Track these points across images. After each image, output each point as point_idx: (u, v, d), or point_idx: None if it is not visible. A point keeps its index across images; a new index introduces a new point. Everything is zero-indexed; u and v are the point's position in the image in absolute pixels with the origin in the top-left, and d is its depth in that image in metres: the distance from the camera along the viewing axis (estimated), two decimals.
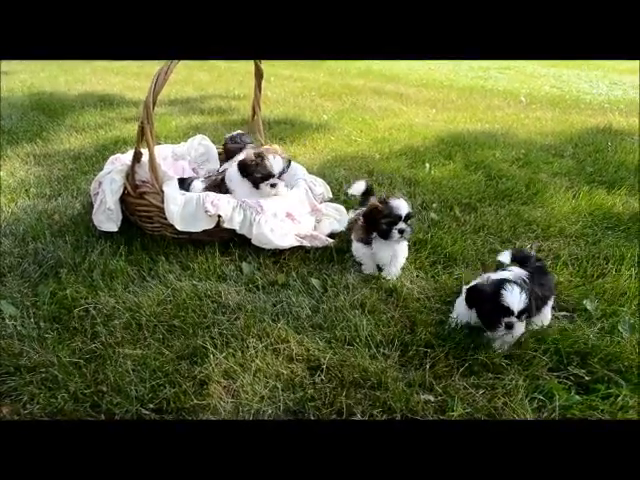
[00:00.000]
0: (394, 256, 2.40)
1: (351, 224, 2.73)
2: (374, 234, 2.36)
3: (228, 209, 2.51)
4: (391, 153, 4.61)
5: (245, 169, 2.71)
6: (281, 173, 2.73)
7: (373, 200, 2.44)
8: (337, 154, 4.58)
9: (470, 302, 1.90)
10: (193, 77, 9.00)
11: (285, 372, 1.75)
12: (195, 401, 1.61)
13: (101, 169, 2.96)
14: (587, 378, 1.76)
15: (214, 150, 3.46)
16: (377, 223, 2.32)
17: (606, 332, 2.05)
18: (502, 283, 1.80)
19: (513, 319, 1.79)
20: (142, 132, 2.39)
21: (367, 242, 2.41)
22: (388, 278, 2.37)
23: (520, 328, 1.83)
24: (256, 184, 2.72)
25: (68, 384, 1.63)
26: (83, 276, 2.30)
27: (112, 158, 3.02)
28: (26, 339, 1.85)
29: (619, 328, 2.04)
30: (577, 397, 1.65)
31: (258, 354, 1.82)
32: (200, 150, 3.38)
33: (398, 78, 9.54)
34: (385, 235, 2.31)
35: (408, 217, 2.31)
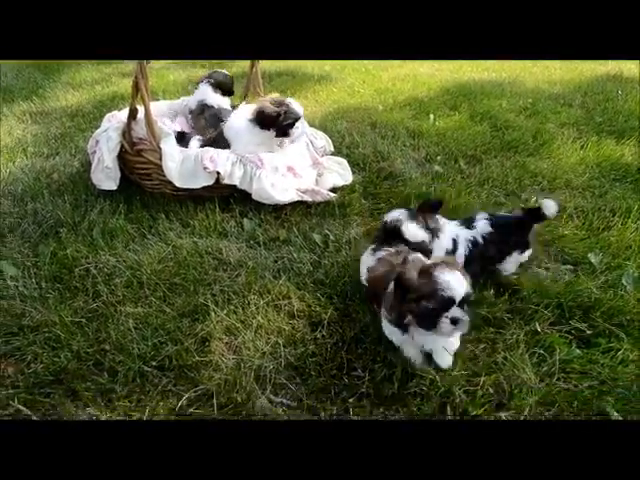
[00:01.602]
0: (446, 342, 1.60)
1: (376, 276, 1.75)
2: (408, 317, 1.51)
3: (227, 165, 2.47)
4: (395, 104, 4.49)
5: (268, 120, 2.60)
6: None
7: (411, 265, 1.51)
8: (339, 106, 4.47)
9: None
10: None
11: (286, 328, 1.75)
12: (197, 358, 1.62)
13: (99, 126, 2.90)
14: (588, 332, 1.75)
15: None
16: (414, 304, 1.47)
17: (609, 285, 2.02)
18: None
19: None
20: (137, 87, 2.31)
21: (401, 326, 1.55)
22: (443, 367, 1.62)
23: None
24: (284, 132, 2.66)
25: (71, 343, 1.64)
26: (83, 235, 2.28)
27: (109, 115, 2.96)
28: (28, 299, 1.85)
29: (623, 281, 2.02)
30: (578, 351, 1.65)
31: (259, 311, 1.82)
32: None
33: None
34: (427, 324, 1.47)
35: (465, 300, 1.46)
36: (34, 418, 1.39)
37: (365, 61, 6.22)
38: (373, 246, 1.85)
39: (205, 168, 2.40)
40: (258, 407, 1.45)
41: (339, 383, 1.55)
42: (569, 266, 2.19)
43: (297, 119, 2.68)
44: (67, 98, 4.64)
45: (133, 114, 2.43)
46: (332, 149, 3.15)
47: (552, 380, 1.56)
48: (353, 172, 2.96)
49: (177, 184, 2.43)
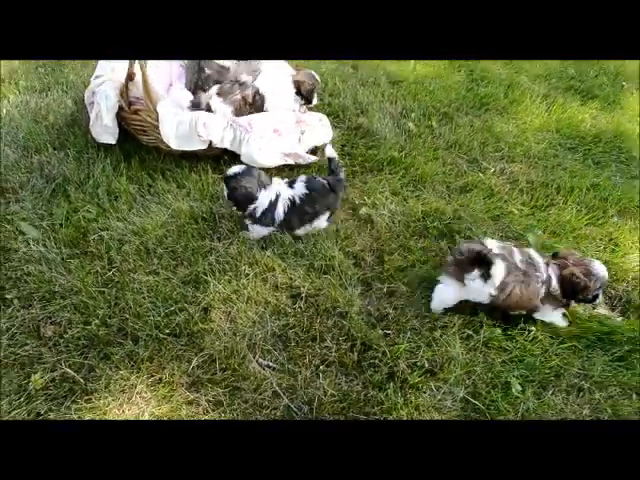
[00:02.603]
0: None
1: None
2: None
3: (219, 131, 2.69)
4: None
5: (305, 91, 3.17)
6: None
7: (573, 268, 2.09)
8: None
9: None
10: None
11: (271, 300, 2.16)
12: (201, 325, 2.03)
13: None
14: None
15: None
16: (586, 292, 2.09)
17: None
18: None
19: None
20: None
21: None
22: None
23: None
24: (308, 99, 3.21)
25: (97, 310, 2.02)
26: (90, 194, 2.55)
27: (103, 63, 3.03)
28: (52, 264, 2.18)
29: None
30: (499, 330, 2.12)
31: (249, 282, 2.21)
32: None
33: None
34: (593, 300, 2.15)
35: None
36: (79, 379, 1.81)
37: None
38: (452, 275, 2.13)
39: (199, 135, 2.62)
40: (250, 372, 1.90)
41: (312, 352, 2.00)
42: (510, 243, 2.61)
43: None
44: None
45: (131, 77, 2.58)
46: (316, 102, 3.33)
47: (475, 354, 2.04)
48: (333, 126, 3.19)
49: (173, 146, 2.66)
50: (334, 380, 1.92)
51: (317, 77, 3.25)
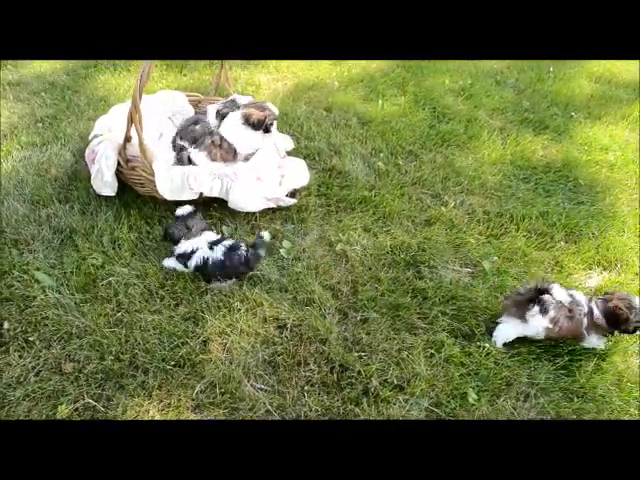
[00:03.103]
0: None
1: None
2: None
3: (208, 182, 3.04)
4: (349, 80, 4.96)
5: (257, 123, 3.33)
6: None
7: (617, 301, 2.44)
8: (299, 79, 4.93)
9: None
10: None
11: (261, 331, 2.49)
12: (201, 356, 2.35)
13: (81, 112, 3.67)
14: (476, 331, 2.57)
15: (183, 100, 3.83)
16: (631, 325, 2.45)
17: (495, 288, 2.83)
18: None
19: None
20: (131, 119, 2.79)
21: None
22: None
23: None
24: (267, 129, 3.38)
25: (110, 347, 2.33)
26: (95, 243, 2.87)
27: (100, 122, 3.39)
28: (67, 308, 2.49)
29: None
30: (457, 348, 2.48)
31: (241, 317, 2.54)
32: (170, 105, 3.74)
33: None
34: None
35: None
36: (100, 407, 2.12)
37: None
38: (514, 314, 2.50)
39: (191, 188, 2.97)
40: (245, 394, 2.22)
41: (298, 374, 2.33)
42: (468, 269, 2.99)
43: (275, 118, 3.45)
44: (40, 63, 4.85)
45: (128, 139, 2.93)
46: (292, 146, 3.70)
47: (437, 369, 2.39)
48: (310, 167, 3.56)
49: (168, 198, 3.00)
50: (317, 398, 2.25)
51: (272, 108, 3.48)
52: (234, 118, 3.37)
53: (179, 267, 2.74)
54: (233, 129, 3.35)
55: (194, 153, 3.26)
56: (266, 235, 2.83)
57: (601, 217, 3.42)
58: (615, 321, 2.44)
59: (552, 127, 4.43)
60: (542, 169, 3.89)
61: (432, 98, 4.71)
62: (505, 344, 2.54)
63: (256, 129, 3.36)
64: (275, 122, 3.47)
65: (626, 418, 2.29)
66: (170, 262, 2.76)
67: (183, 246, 2.68)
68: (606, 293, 2.58)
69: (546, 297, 2.41)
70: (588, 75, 5.43)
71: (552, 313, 2.40)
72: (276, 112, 3.53)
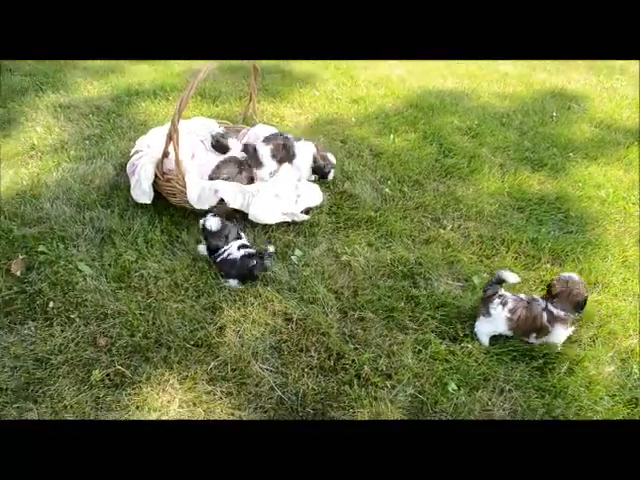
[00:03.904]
0: None
1: None
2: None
3: (232, 194, 3.46)
4: (366, 116, 5.42)
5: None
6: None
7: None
8: (320, 114, 5.39)
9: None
10: None
11: (270, 322, 2.84)
12: (217, 339, 2.70)
13: (123, 133, 4.00)
14: (461, 334, 2.88)
15: (215, 126, 4.32)
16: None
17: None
18: None
19: None
20: (170, 138, 3.24)
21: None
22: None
23: None
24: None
25: (139, 327, 2.70)
26: (131, 242, 3.29)
27: (140, 141, 3.87)
28: (104, 294, 2.89)
29: None
30: (443, 346, 2.79)
31: (254, 309, 2.90)
32: (203, 129, 4.24)
33: None
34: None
35: None
36: (128, 373, 2.47)
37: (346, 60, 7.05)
38: (481, 310, 2.86)
39: (216, 195, 3.39)
40: (252, 373, 2.56)
41: (300, 359, 2.66)
42: (459, 283, 3.31)
43: (333, 167, 4.21)
44: (88, 89, 5.46)
45: (166, 155, 3.38)
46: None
47: (423, 364, 2.70)
48: (323, 191, 3.97)
49: (195, 206, 3.43)
50: (315, 379, 2.57)
51: (331, 158, 4.14)
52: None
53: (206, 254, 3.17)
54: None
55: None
56: (271, 248, 3.20)
57: (587, 245, 3.72)
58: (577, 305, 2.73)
59: (550, 165, 4.78)
60: (536, 201, 4.22)
61: (440, 135, 5.13)
62: (490, 340, 2.86)
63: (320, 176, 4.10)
64: (333, 170, 4.13)
65: (592, 415, 2.55)
66: (203, 249, 3.20)
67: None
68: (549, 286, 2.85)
69: (506, 293, 2.78)
70: (590, 120, 5.81)
71: (510, 304, 2.75)
72: (334, 161, 4.17)
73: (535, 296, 2.86)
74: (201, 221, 3.15)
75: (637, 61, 8.16)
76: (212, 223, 3.09)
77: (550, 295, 2.76)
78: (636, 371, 2.79)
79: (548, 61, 7.76)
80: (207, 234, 3.10)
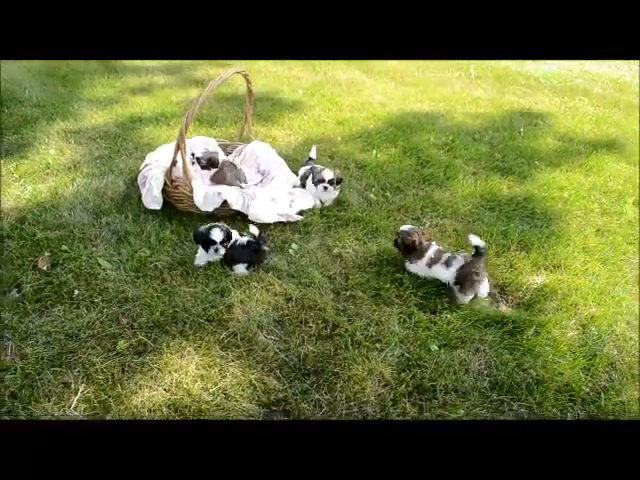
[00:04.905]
0: None
1: None
2: None
3: (233, 196, 3.89)
4: (350, 136, 5.93)
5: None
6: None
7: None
8: (308, 135, 5.89)
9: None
10: None
11: (272, 301, 3.22)
12: (226, 315, 3.07)
13: (130, 153, 4.37)
14: (436, 307, 3.28)
15: (214, 143, 4.78)
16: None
17: None
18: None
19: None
20: (178, 147, 3.68)
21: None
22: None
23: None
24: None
25: (157, 307, 3.06)
26: (145, 241, 3.67)
27: (149, 156, 4.32)
28: (124, 282, 3.25)
29: None
30: (425, 316, 3.18)
31: (257, 291, 3.28)
32: (203, 145, 4.69)
33: None
34: None
35: None
36: (149, 342, 2.82)
37: (331, 85, 7.65)
38: None
39: (220, 197, 3.81)
40: (259, 341, 2.92)
41: (300, 329, 3.03)
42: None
43: (341, 179, 4.50)
44: (94, 117, 5.92)
45: (174, 163, 3.81)
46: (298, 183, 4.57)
47: (408, 331, 3.08)
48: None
49: (201, 208, 3.84)
50: (314, 344, 2.94)
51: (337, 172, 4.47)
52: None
53: (211, 258, 3.49)
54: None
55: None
56: (253, 229, 3.50)
57: (552, 235, 4.18)
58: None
59: (517, 172, 5.30)
60: (506, 202, 4.70)
61: (419, 150, 5.65)
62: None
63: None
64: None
65: (556, 367, 2.93)
66: (201, 261, 3.49)
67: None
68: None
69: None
70: (554, 134, 6.40)
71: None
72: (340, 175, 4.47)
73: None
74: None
75: (599, 84, 8.90)
76: (216, 234, 3.37)
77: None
78: (595, 332, 3.19)
79: (517, 86, 8.44)
80: (214, 242, 3.36)
